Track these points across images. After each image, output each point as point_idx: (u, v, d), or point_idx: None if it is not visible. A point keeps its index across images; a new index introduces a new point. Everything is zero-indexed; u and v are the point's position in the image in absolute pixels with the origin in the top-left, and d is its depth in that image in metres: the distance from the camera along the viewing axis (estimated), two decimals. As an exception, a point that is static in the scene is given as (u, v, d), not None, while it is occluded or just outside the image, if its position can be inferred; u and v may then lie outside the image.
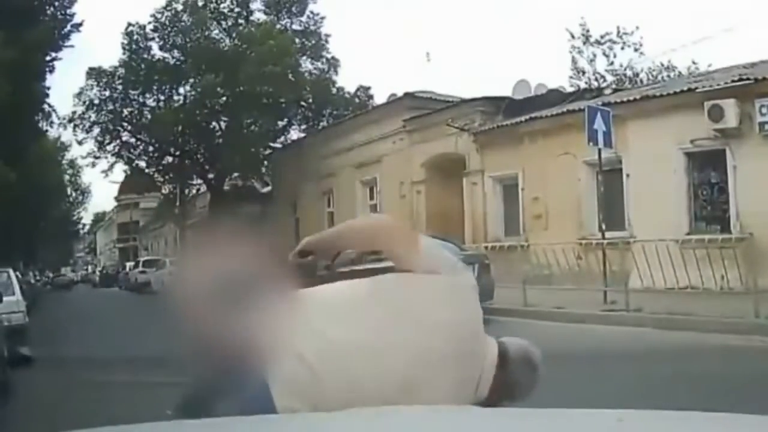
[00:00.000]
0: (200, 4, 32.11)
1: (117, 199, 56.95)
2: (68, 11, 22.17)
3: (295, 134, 33.52)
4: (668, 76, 27.14)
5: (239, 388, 1.67)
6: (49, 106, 25.54)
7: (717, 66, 19.59)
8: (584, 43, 28.44)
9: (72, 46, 22.77)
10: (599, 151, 12.93)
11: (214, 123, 33.20)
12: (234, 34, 32.19)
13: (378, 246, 1.86)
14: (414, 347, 1.63)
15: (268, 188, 34.05)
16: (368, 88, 33.96)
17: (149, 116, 32.67)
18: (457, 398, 1.64)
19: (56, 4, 21.91)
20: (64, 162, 47.79)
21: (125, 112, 33.41)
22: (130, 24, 32.21)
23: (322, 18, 33.53)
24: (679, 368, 6.62)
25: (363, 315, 1.67)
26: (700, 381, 5.83)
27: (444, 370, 1.64)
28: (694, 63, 26.61)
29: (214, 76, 29.34)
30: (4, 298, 9.32)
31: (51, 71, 22.91)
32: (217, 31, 32.52)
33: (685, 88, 14.70)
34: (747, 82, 13.19)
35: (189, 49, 31.24)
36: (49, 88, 23.80)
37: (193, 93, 31.88)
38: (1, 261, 14.54)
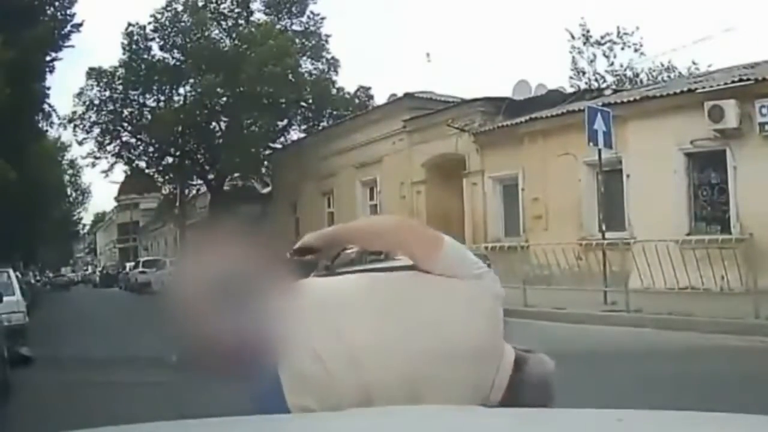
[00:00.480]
0: (200, 4, 32.13)
1: (117, 199, 56.92)
2: (68, 11, 22.18)
3: (295, 134, 33.61)
4: (668, 76, 27.13)
5: (251, 382, 1.68)
6: (49, 106, 25.54)
7: (717, 66, 19.60)
8: (584, 44, 28.45)
9: (72, 46, 22.79)
10: (599, 151, 12.93)
11: (214, 123, 33.23)
12: (234, 35, 32.21)
13: (397, 248, 1.82)
14: (427, 351, 1.62)
15: (268, 188, 34.05)
16: (368, 88, 34.05)
17: (149, 116, 32.71)
18: (469, 403, 1.63)
19: (56, 4, 21.91)
20: (64, 162, 47.84)
21: (125, 112, 33.44)
22: (130, 24, 32.31)
23: (322, 18, 33.60)
24: (679, 368, 6.63)
25: (378, 315, 1.66)
26: (699, 381, 5.83)
27: (456, 375, 1.63)
28: (694, 63, 26.63)
29: (214, 76, 29.36)
30: (4, 298, 9.32)
31: (51, 71, 22.93)
32: (217, 32, 32.53)
33: (686, 89, 14.70)
34: (747, 82, 13.18)
35: (189, 49, 31.25)
36: (49, 88, 23.83)
37: (193, 93, 31.90)
38: (1, 261, 14.53)
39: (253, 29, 31.52)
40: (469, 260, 1.77)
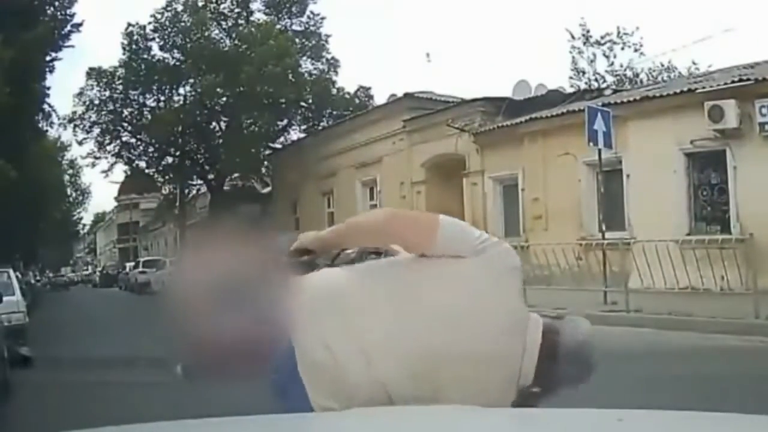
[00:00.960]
0: (200, 4, 32.13)
1: (117, 199, 56.92)
2: (68, 11, 22.21)
3: (295, 134, 33.61)
4: (668, 76, 27.13)
5: (273, 375, 1.67)
6: (49, 106, 25.56)
7: (717, 66, 19.61)
8: (584, 44, 28.46)
9: (72, 46, 22.84)
10: (599, 151, 12.94)
11: (214, 123, 33.25)
12: (234, 35, 32.21)
13: (391, 240, 1.76)
14: (437, 342, 1.58)
15: (268, 188, 34.05)
16: (368, 89, 34.03)
17: (149, 116, 32.72)
18: (494, 393, 1.58)
19: (56, 4, 21.92)
20: (64, 162, 47.86)
21: (125, 112, 33.45)
22: (130, 24, 32.32)
23: (322, 18, 33.63)
24: (679, 368, 6.63)
25: (383, 307, 1.62)
26: (699, 381, 5.83)
27: (474, 367, 1.58)
28: (694, 63, 26.66)
29: (214, 76, 29.36)
30: (4, 298, 9.33)
31: (51, 71, 22.95)
32: (217, 32, 32.55)
33: (685, 89, 14.69)
34: (747, 82, 13.18)
35: (189, 49, 31.25)
36: (49, 88, 23.84)
37: (193, 93, 31.91)
38: (1, 261, 14.53)
39: (253, 29, 31.51)
40: (470, 236, 1.68)
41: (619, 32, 27.91)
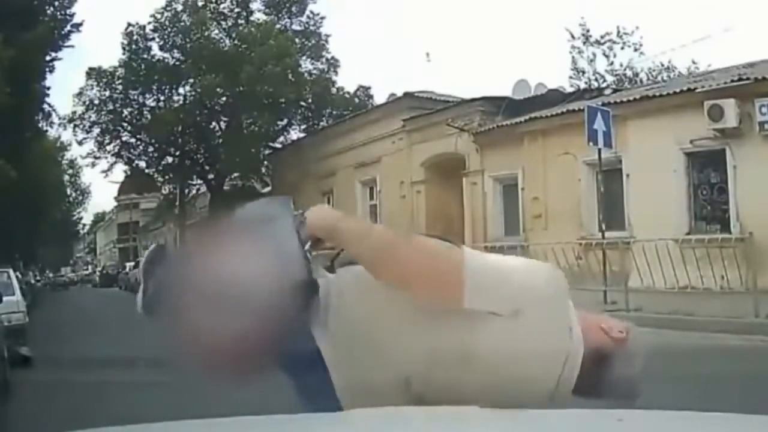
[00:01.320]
0: (200, 4, 32.12)
1: (117, 199, 56.96)
2: (68, 11, 22.24)
3: (295, 134, 33.59)
4: (668, 76, 27.15)
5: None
6: (49, 106, 25.56)
7: (717, 66, 19.63)
8: (584, 43, 28.50)
9: (72, 46, 22.87)
10: (599, 151, 12.95)
11: (214, 123, 33.25)
12: (234, 34, 32.20)
13: (408, 285, 1.55)
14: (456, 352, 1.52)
15: (268, 188, 34.04)
16: (368, 88, 33.98)
17: (149, 116, 32.71)
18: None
19: (56, 4, 21.94)
20: (64, 162, 47.87)
21: (125, 112, 33.43)
22: (130, 24, 32.28)
23: (322, 18, 33.63)
24: (679, 368, 6.62)
25: (402, 317, 1.57)
26: (700, 381, 5.83)
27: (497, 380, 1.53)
28: (694, 63, 26.72)
29: (214, 76, 29.35)
30: (4, 298, 9.32)
31: (51, 71, 22.96)
32: (217, 32, 32.51)
33: (685, 88, 14.69)
34: (747, 82, 13.18)
35: (189, 49, 31.24)
36: (49, 88, 23.85)
37: (193, 93, 31.90)
38: (1, 261, 14.53)
39: (253, 29, 31.49)
40: (505, 292, 1.51)
41: (619, 32, 27.97)
